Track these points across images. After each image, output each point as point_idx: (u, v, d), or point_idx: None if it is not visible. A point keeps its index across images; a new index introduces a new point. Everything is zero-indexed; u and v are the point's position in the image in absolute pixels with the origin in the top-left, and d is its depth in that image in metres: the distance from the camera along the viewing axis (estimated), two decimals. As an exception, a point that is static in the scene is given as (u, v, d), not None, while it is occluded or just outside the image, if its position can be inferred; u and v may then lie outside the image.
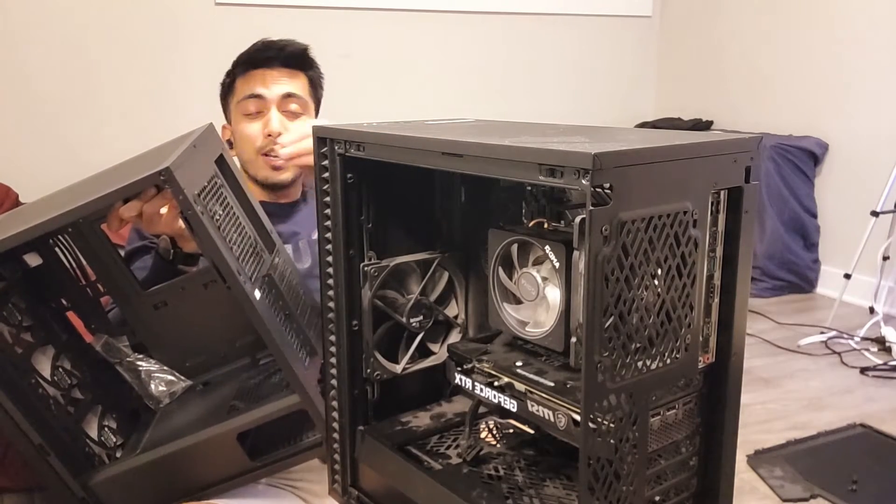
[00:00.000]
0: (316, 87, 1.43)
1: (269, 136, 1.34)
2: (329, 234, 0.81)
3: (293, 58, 1.38)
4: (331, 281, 0.82)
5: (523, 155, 0.57)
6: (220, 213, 0.90)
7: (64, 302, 1.10)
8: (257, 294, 0.89)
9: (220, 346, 1.14)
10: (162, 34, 3.06)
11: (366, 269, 0.82)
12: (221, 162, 1.00)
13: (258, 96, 1.35)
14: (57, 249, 1.08)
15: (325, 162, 0.79)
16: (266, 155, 1.35)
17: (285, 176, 1.37)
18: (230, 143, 1.41)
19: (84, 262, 1.10)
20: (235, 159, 1.37)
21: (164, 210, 0.97)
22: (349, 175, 0.79)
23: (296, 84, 1.37)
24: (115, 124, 2.99)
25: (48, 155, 2.92)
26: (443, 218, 0.90)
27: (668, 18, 4.16)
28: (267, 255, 1.01)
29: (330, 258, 0.81)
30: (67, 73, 2.95)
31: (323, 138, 0.78)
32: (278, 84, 1.36)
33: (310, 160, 0.94)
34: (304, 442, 0.99)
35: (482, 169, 0.61)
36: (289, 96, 1.36)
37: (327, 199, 0.80)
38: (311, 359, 0.98)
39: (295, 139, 1.17)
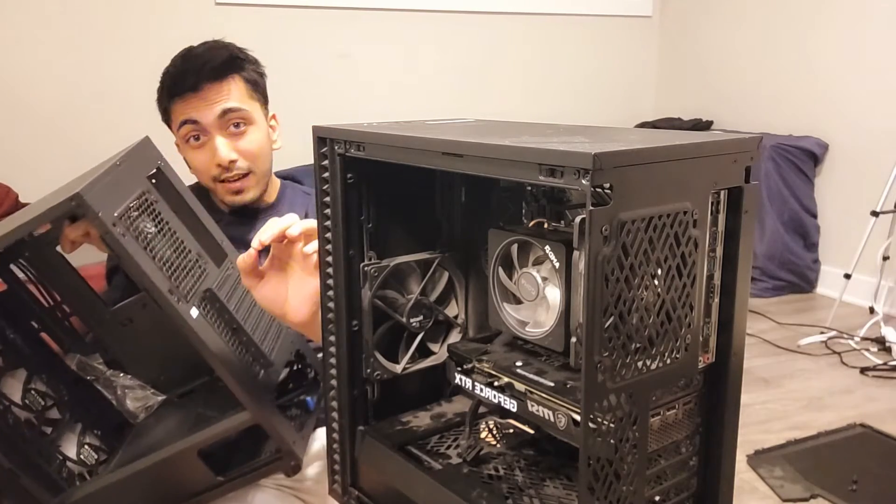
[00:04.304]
0: (254, 83, 1.32)
1: (219, 165, 1.28)
2: (329, 234, 0.81)
3: (218, 70, 1.27)
4: (330, 281, 0.81)
5: (523, 155, 0.57)
6: (152, 230, 0.89)
7: (34, 324, 1.10)
8: (194, 312, 0.88)
9: (189, 358, 1.13)
10: (162, 34, 3.06)
11: (366, 269, 0.82)
12: (159, 175, 0.97)
13: (194, 122, 1.26)
14: (19, 273, 1.07)
15: (325, 162, 0.79)
16: (223, 182, 1.30)
17: (250, 196, 1.33)
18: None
19: (46, 284, 1.10)
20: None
21: None
22: (349, 175, 0.79)
23: (230, 94, 1.27)
24: (116, 124, 2.99)
25: (48, 155, 2.92)
26: (443, 218, 0.89)
27: (668, 18, 4.16)
28: (213, 268, 0.98)
29: (330, 258, 0.81)
30: (67, 73, 2.96)
31: (323, 138, 0.78)
32: (211, 105, 1.26)
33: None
34: (265, 457, 0.98)
35: (482, 169, 0.61)
36: (226, 113, 1.26)
37: (327, 199, 0.79)
38: (266, 371, 0.97)
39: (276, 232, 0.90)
